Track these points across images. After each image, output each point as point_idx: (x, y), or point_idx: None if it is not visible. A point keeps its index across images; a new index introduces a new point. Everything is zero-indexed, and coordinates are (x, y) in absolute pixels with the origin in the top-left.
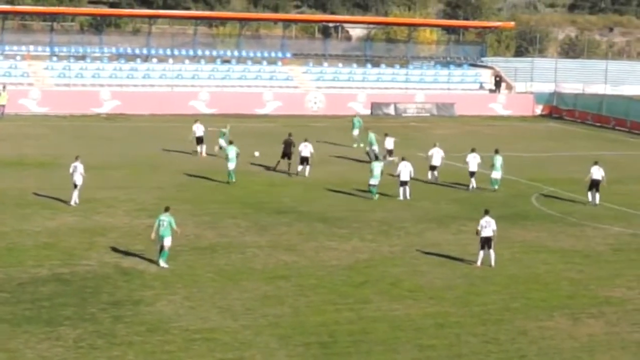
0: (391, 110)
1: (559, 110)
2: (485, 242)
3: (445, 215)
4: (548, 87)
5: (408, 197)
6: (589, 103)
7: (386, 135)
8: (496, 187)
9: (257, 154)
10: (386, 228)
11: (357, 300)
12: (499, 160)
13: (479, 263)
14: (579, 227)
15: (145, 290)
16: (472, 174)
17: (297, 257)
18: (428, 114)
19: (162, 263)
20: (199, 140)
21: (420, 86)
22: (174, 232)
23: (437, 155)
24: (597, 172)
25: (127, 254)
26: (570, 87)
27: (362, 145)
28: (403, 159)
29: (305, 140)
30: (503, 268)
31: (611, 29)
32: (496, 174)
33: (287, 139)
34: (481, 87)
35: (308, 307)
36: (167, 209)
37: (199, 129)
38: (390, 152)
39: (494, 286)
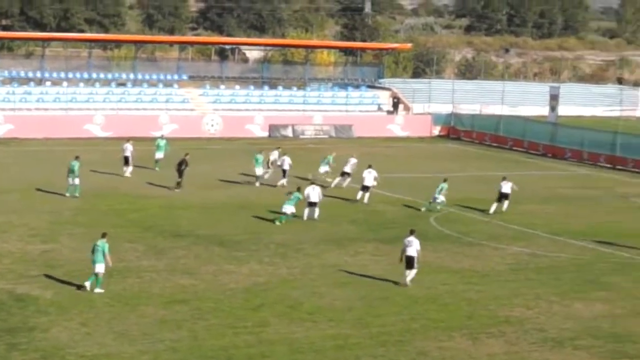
0: (289, 132)
1: (457, 131)
2: (408, 261)
3: (344, 237)
4: (446, 108)
5: (316, 217)
6: (486, 124)
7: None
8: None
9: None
10: (284, 250)
11: (255, 323)
12: (443, 187)
13: (407, 281)
14: (478, 247)
15: (40, 316)
16: (365, 188)
17: (195, 280)
18: (326, 136)
19: (97, 289)
20: (126, 161)
21: (318, 108)
22: (106, 260)
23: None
24: (505, 186)
25: (21, 280)
26: (467, 108)
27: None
28: (312, 183)
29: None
30: (403, 289)
31: (507, 50)
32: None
33: (182, 159)
34: (379, 109)
35: (206, 331)
36: (103, 235)
37: (127, 149)
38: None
39: (394, 307)
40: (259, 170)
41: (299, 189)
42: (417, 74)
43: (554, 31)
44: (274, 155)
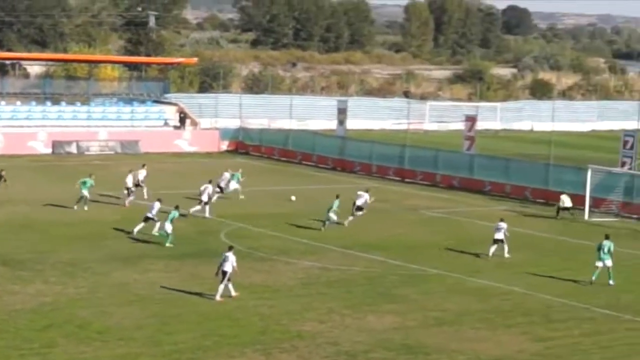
0: (73, 149)
1: (245, 145)
2: (224, 276)
3: (133, 254)
4: (233, 123)
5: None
6: (275, 138)
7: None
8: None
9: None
10: (72, 269)
11: (42, 344)
12: (335, 203)
13: (218, 297)
14: (269, 262)
15: None
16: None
17: None
18: (112, 152)
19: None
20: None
21: (103, 123)
22: None
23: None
24: (360, 199)
25: None
26: (255, 123)
27: None
28: (177, 207)
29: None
30: (194, 305)
31: (294, 64)
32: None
33: None
34: (166, 124)
35: None
36: None
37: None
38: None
39: (186, 324)
40: (85, 192)
41: (177, 207)
42: (203, 88)
43: (340, 45)
44: (142, 174)
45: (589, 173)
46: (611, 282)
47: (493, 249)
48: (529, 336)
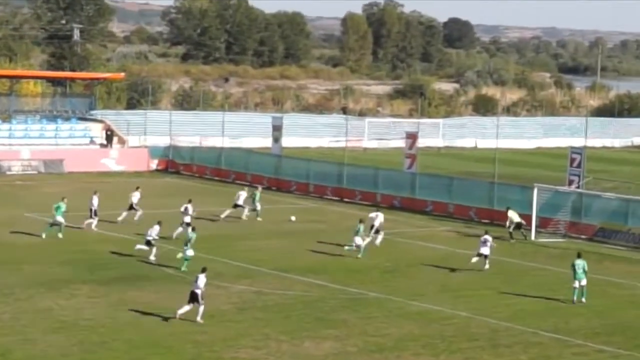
0: None
1: (176, 164)
2: (193, 297)
3: (57, 279)
4: (163, 141)
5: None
6: (207, 156)
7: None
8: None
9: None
10: None
11: None
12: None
13: (179, 314)
14: None
15: None
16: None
17: None
18: (35, 172)
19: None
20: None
21: (25, 142)
22: None
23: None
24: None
25: None
26: (186, 140)
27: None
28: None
29: None
30: (120, 332)
31: (227, 79)
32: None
33: None
34: (92, 142)
35: None
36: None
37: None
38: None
39: (113, 352)
40: (60, 218)
41: (193, 229)
42: (131, 104)
43: (275, 59)
44: (136, 196)
45: (535, 192)
46: (584, 299)
47: (475, 259)
48: None
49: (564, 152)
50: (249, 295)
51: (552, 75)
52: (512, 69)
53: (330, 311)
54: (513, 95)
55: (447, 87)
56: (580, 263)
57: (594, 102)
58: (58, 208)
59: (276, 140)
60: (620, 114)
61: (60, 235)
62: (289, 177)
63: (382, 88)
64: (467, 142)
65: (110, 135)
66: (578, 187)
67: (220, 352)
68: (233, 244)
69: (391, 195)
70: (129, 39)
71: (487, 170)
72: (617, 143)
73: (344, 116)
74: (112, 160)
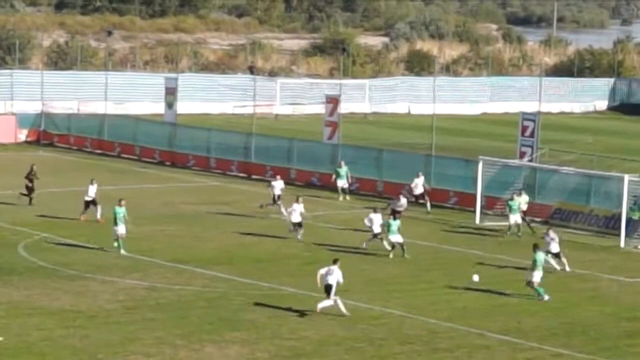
0: None
1: (49, 135)
2: (328, 291)
3: None
4: (34, 107)
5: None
6: (87, 125)
7: None
8: None
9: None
10: None
11: None
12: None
13: (319, 307)
14: (82, 281)
15: None
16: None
17: None
18: None
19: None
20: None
21: None
22: None
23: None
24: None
25: None
26: (62, 106)
27: None
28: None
29: None
30: None
31: (110, 33)
32: None
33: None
34: None
35: None
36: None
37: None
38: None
39: None
40: None
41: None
42: None
43: (167, 9)
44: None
45: (480, 166)
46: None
47: (554, 262)
48: None
49: (514, 119)
50: (138, 291)
51: (499, 27)
52: (452, 20)
53: (237, 310)
54: (453, 51)
55: (375, 41)
56: (541, 256)
57: (550, 59)
58: None
59: (170, 105)
60: (580, 74)
61: None
62: (185, 150)
63: (296, 43)
64: (398, 107)
65: None
66: (531, 160)
67: None
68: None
69: (308, 172)
70: None
71: (422, 141)
72: (576, 108)
73: (252, 76)
74: None
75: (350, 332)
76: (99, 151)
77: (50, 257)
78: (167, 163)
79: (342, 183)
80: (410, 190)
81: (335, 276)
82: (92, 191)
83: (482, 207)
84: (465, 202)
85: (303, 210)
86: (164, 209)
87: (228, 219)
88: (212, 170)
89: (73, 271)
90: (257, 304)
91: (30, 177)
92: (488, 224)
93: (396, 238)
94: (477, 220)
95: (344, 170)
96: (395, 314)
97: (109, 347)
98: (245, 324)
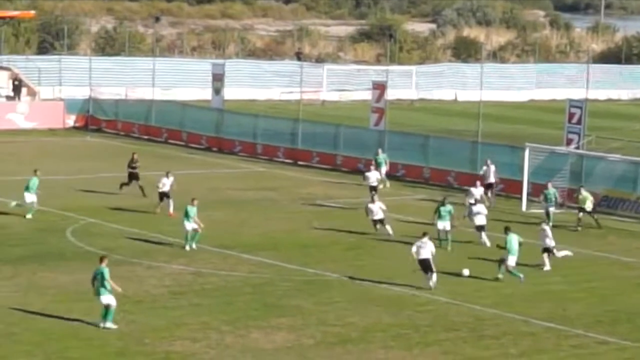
0: None
1: (97, 120)
2: (423, 266)
3: None
4: (82, 92)
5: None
6: (134, 111)
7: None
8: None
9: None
10: None
11: None
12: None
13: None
14: (128, 266)
15: None
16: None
17: None
18: None
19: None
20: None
21: None
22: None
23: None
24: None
25: None
26: (110, 92)
27: None
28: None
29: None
30: (34, 322)
31: (158, 19)
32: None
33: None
34: None
35: None
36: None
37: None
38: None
39: (22, 345)
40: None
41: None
42: (44, 49)
43: None
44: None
45: (527, 153)
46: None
47: (563, 253)
48: (453, 356)
49: (561, 106)
50: (184, 277)
51: (547, 14)
52: (500, 6)
53: (283, 296)
54: (500, 37)
55: (422, 27)
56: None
57: (597, 46)
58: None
59: (217, 91)
60: (628, 60)
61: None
62: (232, 136)
63: (344, 29)
64: (445, 94)
65: (18, 86)
66: (578, 148)
67: (152, 346)
68: (165, 216)
69: (354, 158)
70: None
71: (469, 128)
72: (624, 95)
73: (299, 63)
74: (21, 116)
75: (396, 319)
76: (146, 137)
77: (98, 242)
78: (214, 149)
79: (381, 171)
80: (481, 180)
81: (428, 249)
82: (166, 183)
83: (528, 194)
84: (512, 189)
85: (383, 206)
86: (211, 195)
87: (274, 205)
88: (258, 156)
89: (120, 256)
90: (302, 290)
91: (133, 165)
92: (534, 211)
93: (444, 225)
94: (524, 208)
95: (382, 157)
96: (441, 301)
97: (155, 332)
98: (291, 310)
